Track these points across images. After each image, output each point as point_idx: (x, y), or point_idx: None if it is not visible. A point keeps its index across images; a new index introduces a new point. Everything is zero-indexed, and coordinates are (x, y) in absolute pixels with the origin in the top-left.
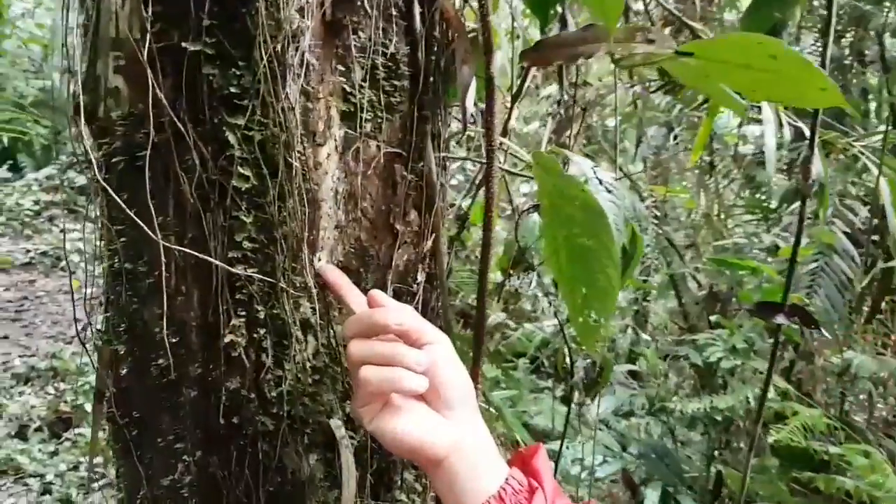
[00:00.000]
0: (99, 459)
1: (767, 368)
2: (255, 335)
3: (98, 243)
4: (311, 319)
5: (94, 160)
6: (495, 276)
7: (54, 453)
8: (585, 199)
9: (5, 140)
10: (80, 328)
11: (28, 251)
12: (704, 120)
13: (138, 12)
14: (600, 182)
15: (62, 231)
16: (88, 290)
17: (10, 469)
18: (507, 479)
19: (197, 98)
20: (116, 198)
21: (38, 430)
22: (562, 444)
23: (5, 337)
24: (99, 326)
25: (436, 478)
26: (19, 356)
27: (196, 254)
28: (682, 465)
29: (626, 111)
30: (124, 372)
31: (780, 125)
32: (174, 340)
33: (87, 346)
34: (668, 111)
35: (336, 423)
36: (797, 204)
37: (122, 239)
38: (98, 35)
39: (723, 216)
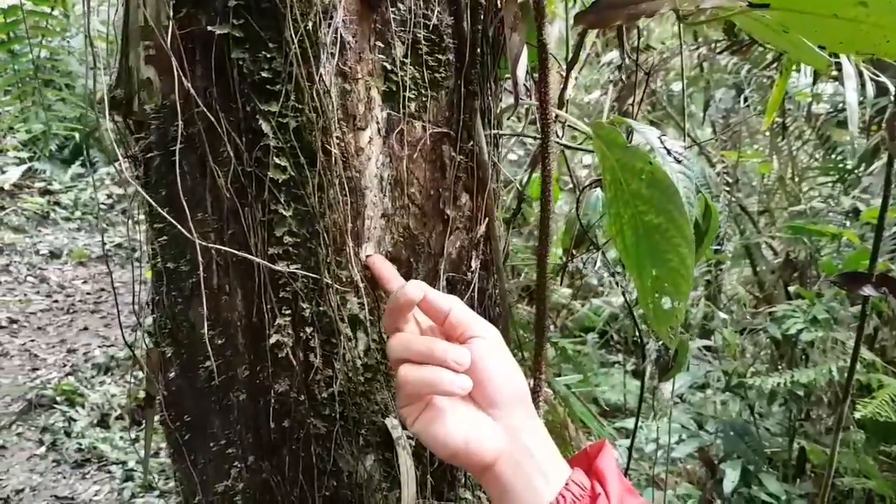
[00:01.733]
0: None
1: (855, 341)
2: (301, 334)
3: (142, 242)
4: (359, 315)
5: (120, 156)
6: (557, 253)
7: (135, 440)
8: (652, 173)
9: (77, 136)
10: (130, 330)
11: (104, 244)
12: (778, 80)
13: None
14: (668, 152)
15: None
16: (137, 289)
17: (93, 457)
18: (566, 483)
19: (228, 85)
20: (146, 196)
21: (119, 418)
22: (636, 424)
23: (85, 328)
24: (148, 328)
25: (485, 484)
26: (99, 346)
27: (235, 252)
28: (762, 441)
29: (692, 75)
30: (173, 375)
31: (862, 80)
32: (220, 342)
33: (137, 350)
34: (736, 72)
35: (392, 423)
36: (877, 164)
37: (163, 238)
38: (128, 25)
39: (797, 179)
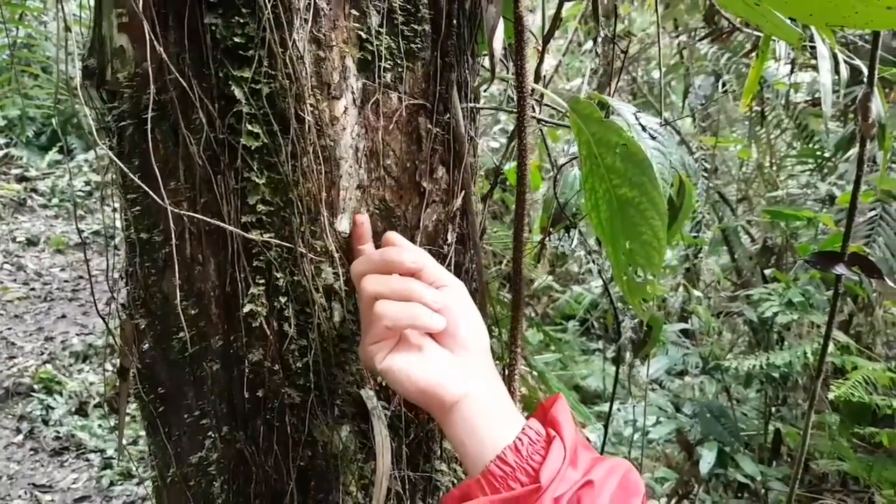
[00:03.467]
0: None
1: (827, 322)
2: (275, 304)
3: (115, 214)
4: (334, 286)
5: (91, 123)
6: (536, 240)
7: (114, 428)
8: (627, 147)
9: (55, 122)
10: (104, 305)
11: (82, 231)
12: (754, 63)
13: None
14: (643, 128)
15: (114, 210)
16: (111, 264)
17: (72, 445)
18: (523, 428)
19: (201, 51)
20: (119, 163)
21: (98, 406)
22: (611, 405)
23: (63, 316)
24: (122, 301)
25: (448, 424)
26: (77, 335)
27: (207, 220)
28: (739, 424)
29: (672, 63)
30: (147, 347)
31: (836, 64)
32: (193, 312)
33: (110, 322)
34: (715, 61)
35: (367, 394)
36: (853, 151)
37: (136, 208)
38: None
39: (775, 168)
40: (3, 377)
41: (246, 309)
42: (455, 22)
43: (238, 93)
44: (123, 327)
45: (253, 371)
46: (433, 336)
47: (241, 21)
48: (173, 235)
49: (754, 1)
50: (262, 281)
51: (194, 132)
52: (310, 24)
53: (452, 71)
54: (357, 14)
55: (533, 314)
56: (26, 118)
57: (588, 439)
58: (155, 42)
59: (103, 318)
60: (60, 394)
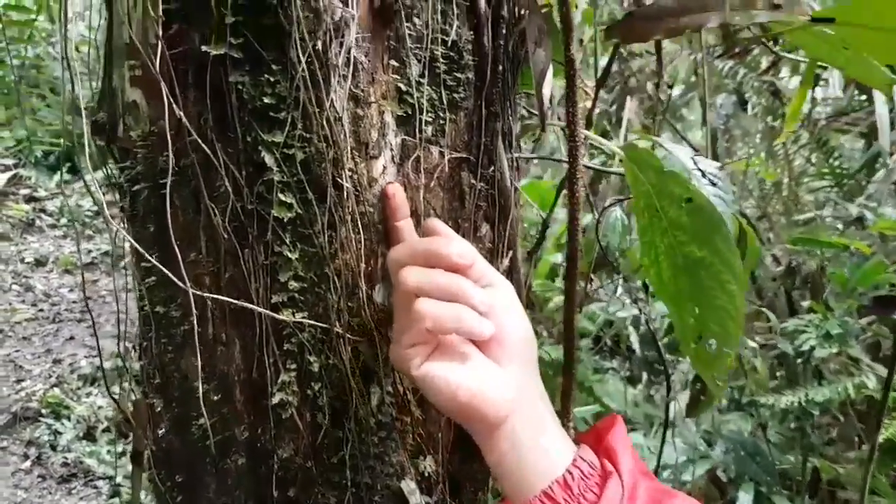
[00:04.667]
0: None
1: (890, 362)
2: (308, 392)
3: (129, 279)
4: (371, 366)
5: (95, 187)
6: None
7: (122, 454)
8: (694, 200)
9: (63, 142)
10: (114, 374)
11: (90, 251)
12: (799, 89)
13: (151, 12)
14: (703, 174)
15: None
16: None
17: (79, 472)
18: (574, 459)
19: (225, 112)
20: (130, 240)
21: (106, 430)
22: (663, 443)
23: (72, 338)
24: (135, 374)
25: (489, 445)
26: (85, 357)
27: (231, 301)
28: (774, 461)
29: (690, 80)
30: (163, 430)
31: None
32: (216, 398)
33: (121, 397)
34: (732, 76)
35: (409, 487)
36: (881, 172)
37: (151, 278)
38: (111, 41)
39: (794, 184)
40: (10, 401)
41: (276, 399)
42: (500, 68)
43: (269, 159)
44: (137, 407)
45: (283, 468)
46: (477, 343)
47: (272, 80)
48: (193, 312)
49: (843, 44)
50: (294, 366)
51: (218, 201)
52: (349, 80)
53: (497, 120)
54: (396, 65)
55: (546, 333)
56: (35, 138)
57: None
58: (173, 102)
59: (111, 395)
60: (68, 418)
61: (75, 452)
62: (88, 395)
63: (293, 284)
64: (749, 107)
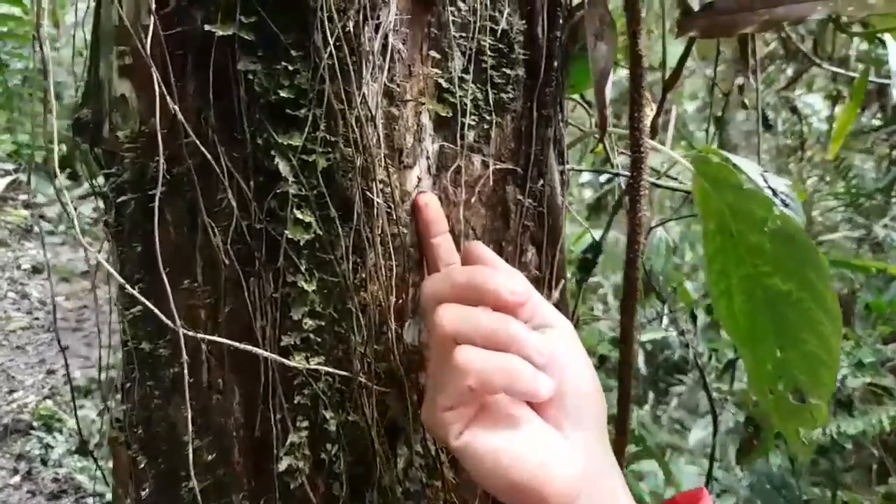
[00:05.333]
0: None
1: None
2: (322, 455)
3: (113, 306)
4: (400, 422)
5: (64, 204)
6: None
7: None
8: (781, 225)
9: (64, 148)
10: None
11: (88, 259)
12: (847, 105)
13: None
14: (774, 193)
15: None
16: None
17: (70, 488)
18: None
19: (231, 108)
20: (108, 267)
21: (99, 445)
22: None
23: (66, 347)
24: (118, 420)
25: None
26: (79, 368)
27: (232, 343)
28: (801, 495)
29: (702, 96)
30: (147, 490)
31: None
32: (210, 457)
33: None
34: (749, 93)
35: None
36: None
37: (136, 308)
38: (99, 24)
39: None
40: (1, 413)
41: (283, 465)
42: (555, 64)
43: (284, 167)
44: (117, 458)
45: None
46: (532, 404)
47: (290, 68)
48: (184, 355)
49: None
50: (306, 424)
51: (219, 218)
52: (384, 72)
53: (549, 125)
54: (437, 57)
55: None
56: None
57: None
58: (165, 93)
59: (86, 449)
60: (60, 431)
61: (66, 468)
62: (81, 407)
63: (308, 322)
64: (764, 121)
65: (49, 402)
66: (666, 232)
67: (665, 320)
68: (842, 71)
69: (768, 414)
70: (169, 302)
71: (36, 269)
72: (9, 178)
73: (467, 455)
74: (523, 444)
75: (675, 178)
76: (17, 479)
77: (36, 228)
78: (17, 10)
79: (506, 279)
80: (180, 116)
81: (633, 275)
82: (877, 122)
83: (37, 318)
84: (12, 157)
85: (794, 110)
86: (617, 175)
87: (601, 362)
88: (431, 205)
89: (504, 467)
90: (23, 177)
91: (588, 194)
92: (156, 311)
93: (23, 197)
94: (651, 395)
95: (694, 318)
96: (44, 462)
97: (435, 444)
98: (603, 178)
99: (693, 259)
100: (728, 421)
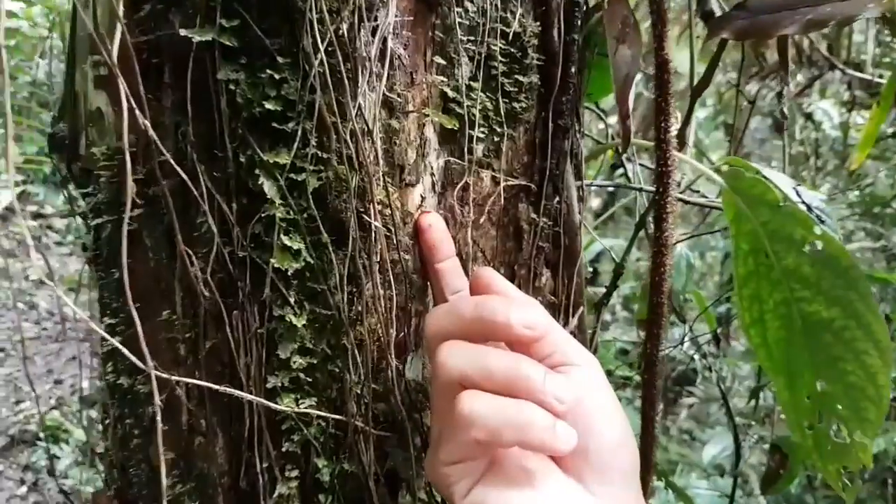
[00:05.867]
0: None
1: None
2: None
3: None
4: (400, 469)
5: (20, 215)
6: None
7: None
8: (823, 246)
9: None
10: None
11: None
12: (875, 110)
13: None
14: (809, 208)
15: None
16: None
17: (76, 499)
18: None
19: (212, 122)
20: (74, 307)
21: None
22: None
23: (73, 358)
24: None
25: None
26: (87, 378)
27: (209, 385)
28: None
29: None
30: None
31: None
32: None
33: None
34: (761, 98)
35: None
36: None
37: (116, 338)
38: (75, 32)
39: None
40: (8, 423)
41: None
42: (572, 70)
43: (269, 187)
44: (96, 501)
45: None
46: (553, 457)
47: (277, 77)
48: (156, 396)
49: None
50: (296, 473)
51: (198, 244)
52: (383, 80)
53: (565, 137)
54: (443, 63)
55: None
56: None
57: None
58: (134, 105)
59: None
60: (67, 442)
61: (72, 479)
62: (88, 419)
63: (298, 360)
64: (776, 128)
65: (56, 413)
66: (689, 250)
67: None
68: (861, 75)
69: (806, 451)
70: (140, 339)
71: (44, 280)
72: (18, 189)
73: None
74: (541, 502)
75: (697, 192)
76: (23, 489)
77: (45, 239)
78: (24, 24)
79: (520, 310)
80: (151, 132)
81: (659, 300)
82: (892, 130)
83: (45, 328)
84: (21, 169)
85: (808, 117)
86: (641, 191)
87: (607, 374)
88: (436, 226)
89: None
90: (31, 188)
91: (596, 203)
92: (123, 349)
93: (31, 208)
94: (660, 407)
95: (717, 340)
96: (50, 473)
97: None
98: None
99: (702, 268)
100: (745, 442)
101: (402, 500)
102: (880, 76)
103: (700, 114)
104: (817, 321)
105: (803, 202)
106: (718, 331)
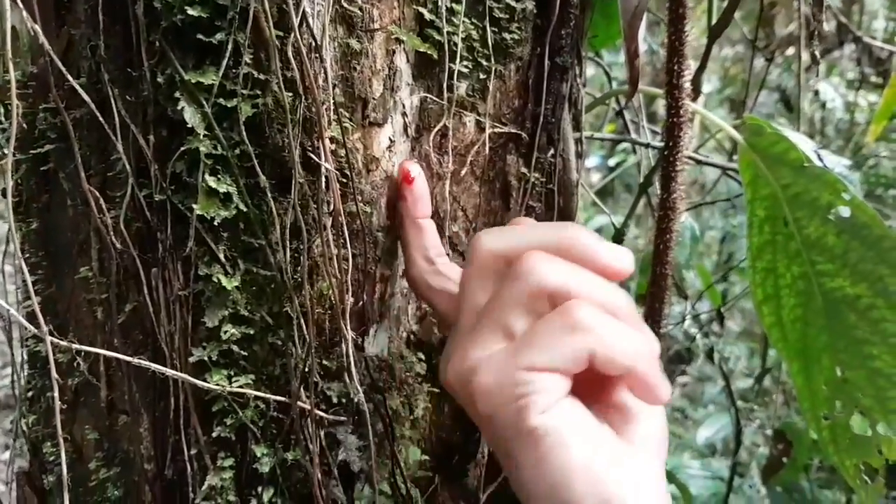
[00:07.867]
0: None
1: None
2: (253, 502)
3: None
4: (356, 461)
5: None
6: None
7: None
8: (854, 215)
9: None
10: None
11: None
12: (891, 82)
13: None
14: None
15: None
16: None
17: None
18: None
19: (128, 34)
20: None
21: None
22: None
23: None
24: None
25: None
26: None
27: (123, 357)
28: (816, 497)
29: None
30: None
31: None
32: (118, 492)
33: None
34: (769, 72)
35: None
36: None
37: (29, 302)
38: None
39: None
40: None
41: None
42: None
43: (192, 114)
44: (22, 485)
45: None
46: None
47: None
48: (52, 364)
49: None
50: (230, 462)
51: (115, 186)
52: None
53: (564, 79)
54: None
55: None
56: None
57: None
58: (31, 18)
59: None
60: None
61: None
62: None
63: (230, 331)
64: (785, 104)
65: None
66: (693, 219)
67: (688, 319)
68: (879, 43)
69: (822, 443)
70: (32, 299)
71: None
72: None
73: (544, 436)
74: (595, 439)
75: (706, 157)
76: (6, 455)
77: None
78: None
79: (609, 246)
80: (48, 46)
81: (662, 271)
82: None
83: None
84: None
85: (816, 94)
86: (647, 146)
87: None
88: (419, 180)
89: (593, 479)
90: None
91: (595, 179)
92: (14, 313)
93: None
94: None
95: (721, 319)
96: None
97: (403, 480)
98: (612, 161)
99: (700, 248)
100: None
101: (358, 494)
102: (889, 54)
103: (704, 88)
104: (840, 298)
105: (825, 167)
106: (722, 309)
